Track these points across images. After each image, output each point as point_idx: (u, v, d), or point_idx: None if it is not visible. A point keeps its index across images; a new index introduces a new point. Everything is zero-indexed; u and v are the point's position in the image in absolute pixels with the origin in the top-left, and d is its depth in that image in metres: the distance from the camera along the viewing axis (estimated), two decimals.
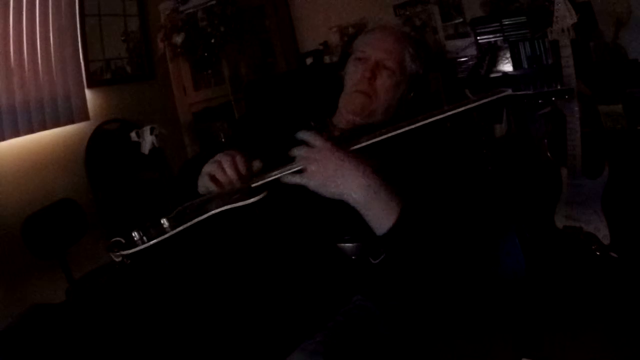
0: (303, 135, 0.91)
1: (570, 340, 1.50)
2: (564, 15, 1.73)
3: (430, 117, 0.96)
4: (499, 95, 0.95)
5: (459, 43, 2.78)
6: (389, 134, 0.96)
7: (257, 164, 0.97)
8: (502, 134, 2.35)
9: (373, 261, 0.96)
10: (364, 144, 0.95)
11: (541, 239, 1.83)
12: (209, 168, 0.97)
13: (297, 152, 0.91)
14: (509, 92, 0.94)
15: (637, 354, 1.41)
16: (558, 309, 1.61)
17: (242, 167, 0.95)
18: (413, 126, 0.96)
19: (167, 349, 0.91)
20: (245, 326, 0.93)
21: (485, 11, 2.67)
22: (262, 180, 0.94)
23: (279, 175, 0.92)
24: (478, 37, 2.66)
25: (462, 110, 0.95)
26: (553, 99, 0.91)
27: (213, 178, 0.96)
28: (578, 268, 1.76)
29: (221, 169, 0.96)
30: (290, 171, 0.91)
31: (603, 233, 1.75)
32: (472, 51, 2.72)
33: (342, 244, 0.99)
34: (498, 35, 2.57)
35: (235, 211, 0.92)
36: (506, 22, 2.53)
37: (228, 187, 0.95)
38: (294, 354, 0.84)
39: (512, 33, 2.52)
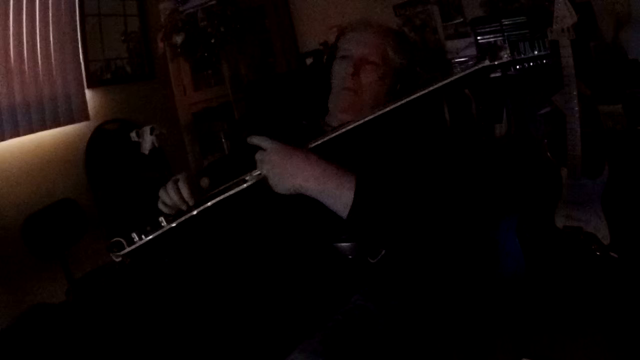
0: (252, 139, 0.93)
1: (570, 340, 1.50)
2: (564, 15, 1.72)
3: (397, 102, 0.96)
4: (477, 67, 0.95)
5: (459, 43, 2.78)
6: (348, 127, 0.97)
7: (204, 182, 1.00)
8: (502, 134, 2.35)
9: (371, 260, 0.96)
10: (320, 141, 0.97)
11: (541, 239, 1.83)
12: (160, 194, 1.02)
13: (256, 156, 0.93)
14: (487, 63, 0.95)
15: (637, 354, 1.40)
16: (558, 309, 1.61)
17: (185, 191, 0.97)
18: (372, 116, 0.97)
19: (167, 348, 0.92)
20: (245, 326, 0.93)
21: (485, 11, 2.67)
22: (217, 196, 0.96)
23: (245, 180, 0.94)
24: (478, 37, 2.66)
25: (434, 89, 0.95)
26: (531, 63, 0.91)
27: (163, 202, 1.00)
28: (578, 268, 1.76)
29: (167, 194, 0.99)
30: (252, 175, 0.93)
31: (603, 233, 1.75)
32: (472, 51, 2.72)
33: (339, 244, 0.99)
34: (498, 35, 2.57)
35: (233, 210, 0.94)
36: (506, 22, 2.53)
37: (177, 209, 0.99)
38: (294, 354, 0.84)
39: (512, 33, 2.52)
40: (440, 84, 0.94)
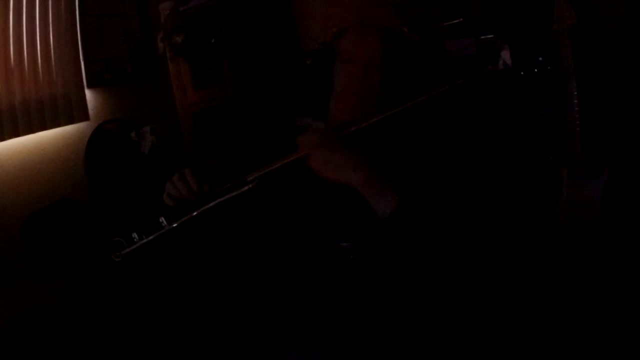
0: (305, 120, 0.92)
1: (570, 340, 1.50)
2: (564, 15, 1.73)
3: (406, 104, 0.98)
4: (481, 72, 0.95)
5: (459, 43, 2.78)
6: (375, 119, 0.98)
7: (205, 188, 1.00)
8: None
9: (372, 261, 0.96)
10: (353, 129, 0.98)
11: (541, 239, 1.83)
12: (166, 187, 1.02)
13: (301, 138, 0.93)
14: (490, 68, 0.96)
15: (637, 354, 1.40)
16: (558, 309, 1.61)
17: (192, 182, 0.98)
18: (392, 111, 0.98)
19: (166, 348, 0.92)
20: (245, 326, 0.93)
21: (485, 11, 2.67)
22: (263, 171, 0.95)
23: (284, 162, 0.94)
24: (478, 37, 2.65)
25: (447, 90, 0.96)
26: (535, 70, 0.92)
27: (169, 195, 1.00)
28: (578, 268, 1.76)
29: (174, 186, 0.99)
30: (294, 157, 0.92)
31: (603, 233, 1.75)
32: (472, 51, 2.72)
33: (340, 244, 0.99)
34: (498, 35, 2.56)
35: (234, 210, 0.93)
36: (506, 22, 2.53)
37: (183, 202, 0.99)
38: (293, 354, 0.84)
39: (512, 33, 2.52)
40: (443, 88, 0.95)
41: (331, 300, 0.97)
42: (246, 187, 0.93)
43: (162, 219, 0.94)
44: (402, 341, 0.99)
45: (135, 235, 0.93)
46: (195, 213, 0.93)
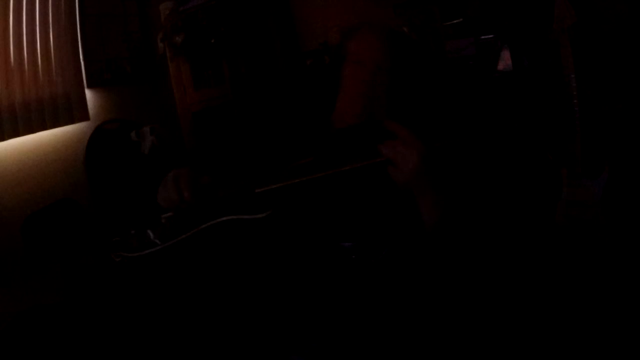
0: (391, 125, 0.91)
1: (570, 339, 1.50)
2: (564, 15, 1.73)
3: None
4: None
5: (459, 43, 2.78)
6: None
7: (205, 180, 0.98)
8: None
9: (374, 261, 0.96)
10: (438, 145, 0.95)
11: (541, 238, 1.83)
12: (160, 189, 0.99)
13: (387, 145, 0.90)
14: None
15: (637, 354, 1.40)
16: (558, 309, 1.61)
17: (185, 187, 0.94)
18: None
19: (167, 349, 0.92)
20: (245, 327, 0.93)
21: (485, 11, 2.67)
22: (334, 168, 0.92)
23: (360, 164, 0.92)
24: (478, 37, 2.66)
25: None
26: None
27: (163, 199, 0.98)
28: (578, 268, 1.76)
29: (166, 191, 0.96)
30: (374, 161, 0.91)
31: (602, 233, 1.75)
32: (472, 51, 2.72)
33: (342, 243, 0.99)
34: (498, 35, 2.57)
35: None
36: (506, 22, 2.53)
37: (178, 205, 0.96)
38: (292, 357, 0.84)
39: (512, 33, 2.52)
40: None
41: (332, 301, 0.97)
42: (262, 215, 0.91)
43: (164, 221, 0.93)
44: (403, 343, 0.99)
45: (134, 232, 0.92)
46: (201, 227, 0.92)
